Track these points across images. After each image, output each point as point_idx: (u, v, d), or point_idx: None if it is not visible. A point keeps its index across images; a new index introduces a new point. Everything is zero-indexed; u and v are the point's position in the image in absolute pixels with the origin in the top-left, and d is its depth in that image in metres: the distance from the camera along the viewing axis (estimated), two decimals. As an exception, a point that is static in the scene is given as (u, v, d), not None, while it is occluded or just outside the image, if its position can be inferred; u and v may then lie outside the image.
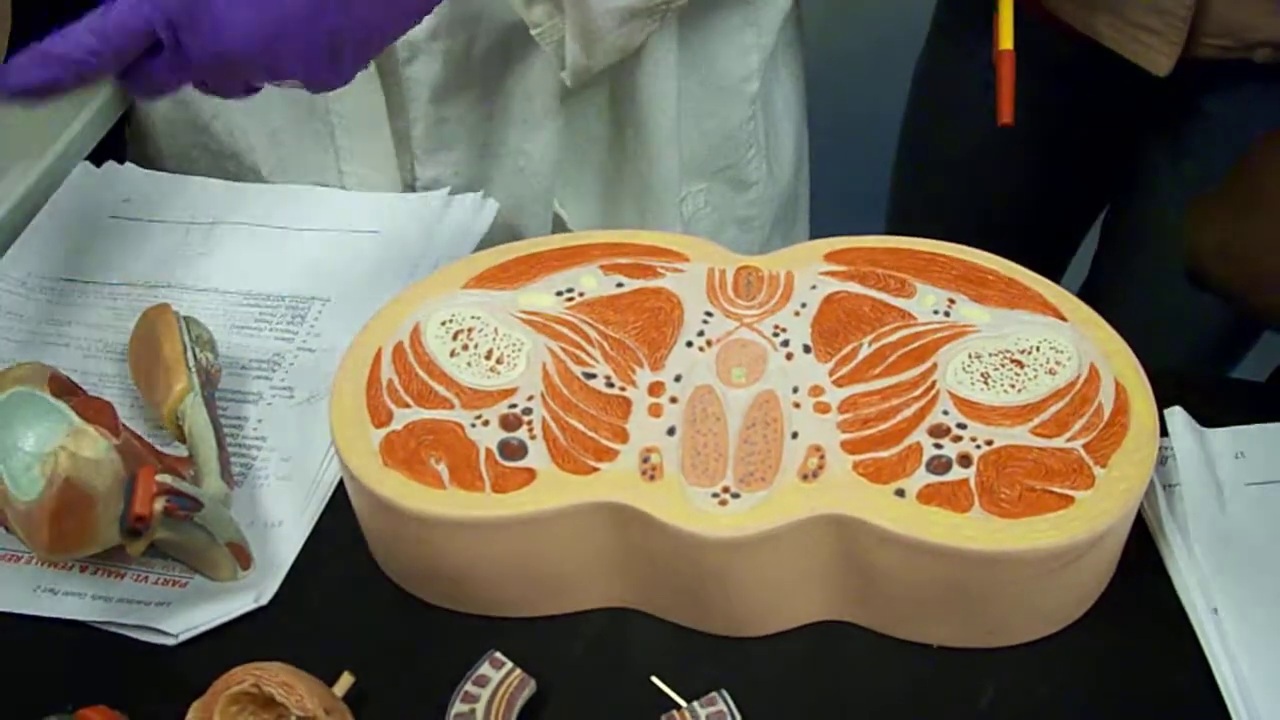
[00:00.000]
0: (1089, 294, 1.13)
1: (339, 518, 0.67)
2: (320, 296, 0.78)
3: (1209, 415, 0.69)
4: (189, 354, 0.70)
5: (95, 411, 0.62)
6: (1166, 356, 0.89)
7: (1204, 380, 0.79)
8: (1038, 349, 0.64)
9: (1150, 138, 1.03)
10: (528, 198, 0.88)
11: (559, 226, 0.91)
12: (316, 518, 0.68)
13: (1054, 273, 1.17)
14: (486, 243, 0.76)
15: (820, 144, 1.09)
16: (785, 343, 0.65)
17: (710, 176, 0.94)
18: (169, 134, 0.91)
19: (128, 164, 0.90)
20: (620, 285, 0.68)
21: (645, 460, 0.60)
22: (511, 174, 0.87)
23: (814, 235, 1.09)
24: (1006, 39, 0.82)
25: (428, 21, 0.78)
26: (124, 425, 0.63)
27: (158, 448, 0.68)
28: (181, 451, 0.69)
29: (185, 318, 0.71)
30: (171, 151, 0.92)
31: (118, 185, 0.88)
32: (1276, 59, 0.92)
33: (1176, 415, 0.68)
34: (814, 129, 1.05)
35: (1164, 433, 0.67)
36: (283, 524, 0.67)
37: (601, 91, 0.87)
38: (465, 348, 0.65)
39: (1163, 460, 0.68)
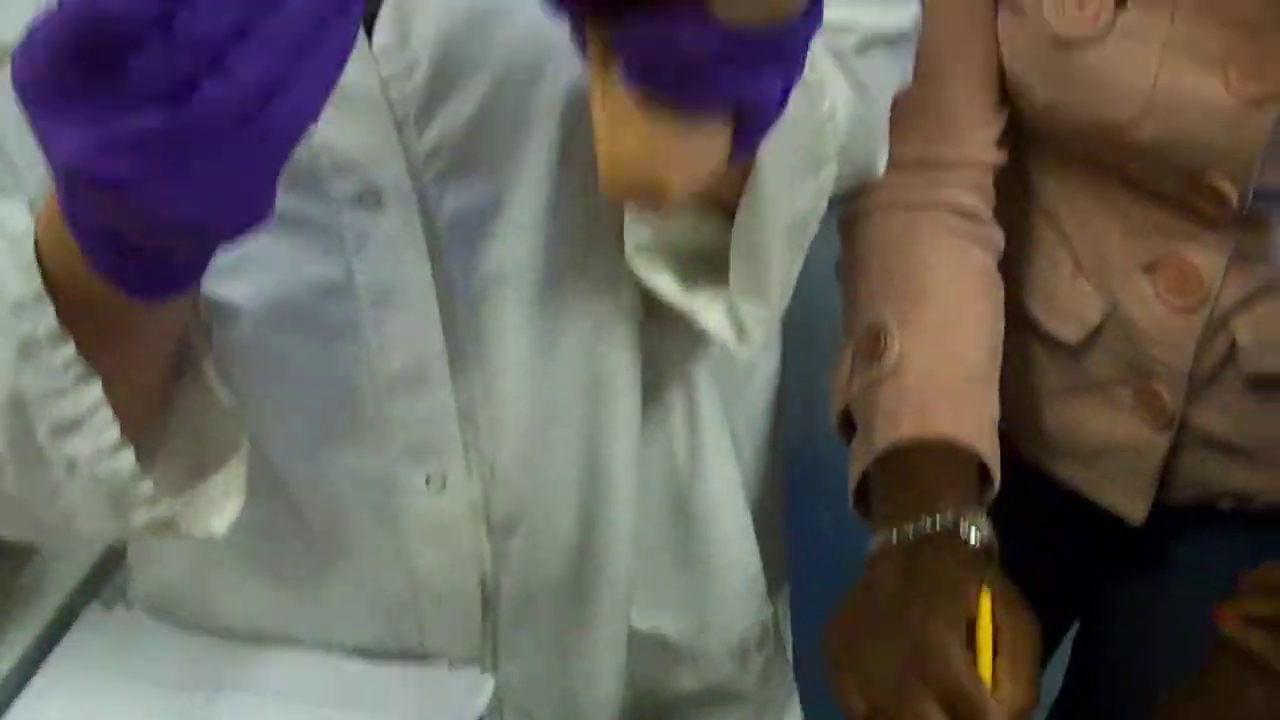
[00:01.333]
0: (1060, 712, 1.16)
1: None
2: (322, 781, 0.80)
3: None
4: None
5: None
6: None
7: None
8: None
9: (1115, 578, 1.07)
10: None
11: (633, 640, 0.90)
12: None
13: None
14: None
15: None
16: None
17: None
18: None
19: (136, 611, 0.93)
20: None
21: None
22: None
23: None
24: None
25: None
26: None
27: None
28: None
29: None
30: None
31: (128, 638, 0.91)
32: (1238, 507, 0.97)
33: None
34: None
35: None
36: None
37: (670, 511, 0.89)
38: None
39: None
